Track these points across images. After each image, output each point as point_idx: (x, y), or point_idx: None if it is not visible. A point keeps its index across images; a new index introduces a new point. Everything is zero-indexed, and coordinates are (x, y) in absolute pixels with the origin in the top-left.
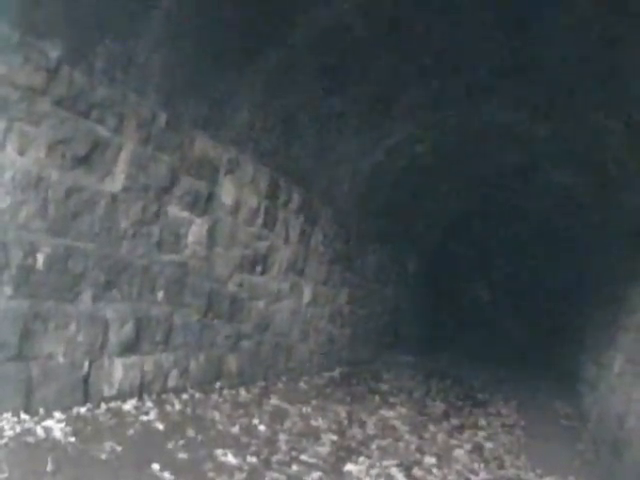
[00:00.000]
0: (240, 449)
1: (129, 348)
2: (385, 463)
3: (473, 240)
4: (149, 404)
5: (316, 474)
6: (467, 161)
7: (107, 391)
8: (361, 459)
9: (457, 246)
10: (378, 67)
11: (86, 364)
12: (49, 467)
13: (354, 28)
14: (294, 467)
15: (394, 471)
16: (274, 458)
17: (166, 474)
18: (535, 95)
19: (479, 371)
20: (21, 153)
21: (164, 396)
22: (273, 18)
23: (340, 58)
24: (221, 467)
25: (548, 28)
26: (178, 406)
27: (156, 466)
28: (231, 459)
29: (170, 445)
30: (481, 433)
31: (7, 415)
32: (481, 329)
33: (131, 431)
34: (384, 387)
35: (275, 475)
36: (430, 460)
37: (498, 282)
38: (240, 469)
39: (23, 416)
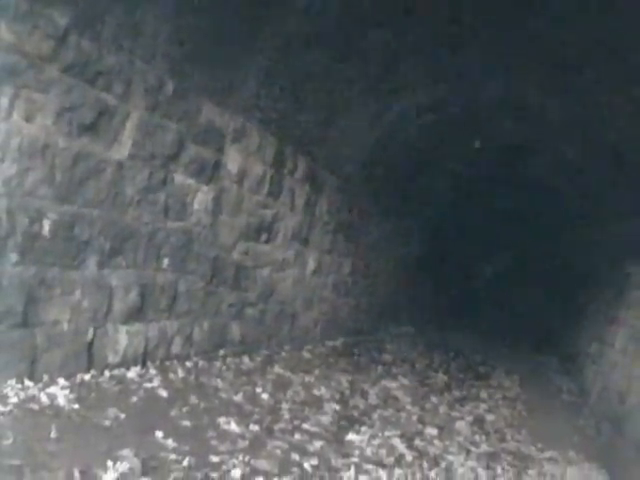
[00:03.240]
0: (243, 417)
1: (134, 315)
2: (387, 433)
3: (478, 212)
4: (153, 371)
5: (318, 443)
6: (474, 132)
7: (111, 358)
8: (363, 429)
9: (462, 217)
10: (385, 37)
11: (91, 331)
12: (53, 433)
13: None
14: (296, 436)
15: (396, 441)
16: (277, 427)
17: (169, 441)
18: (542, 69)
19: (481, 344)
20: (28, 120)
21: (168, 363)
22: None
23: (347, 27)
24: (224, 435)
25: (555, 3)
26: (181, 373)
27: (159, 433)
28: (234, 427)
29: (173, 412)
30: (482, 406)
31: (11, 382)
32: (484, 303)
33: (134, 398)
34: (387, 357)
35: (277, 443)
36: (431, 431)
37: (502, 255)
38: (242, 437)
39: (27, 383)
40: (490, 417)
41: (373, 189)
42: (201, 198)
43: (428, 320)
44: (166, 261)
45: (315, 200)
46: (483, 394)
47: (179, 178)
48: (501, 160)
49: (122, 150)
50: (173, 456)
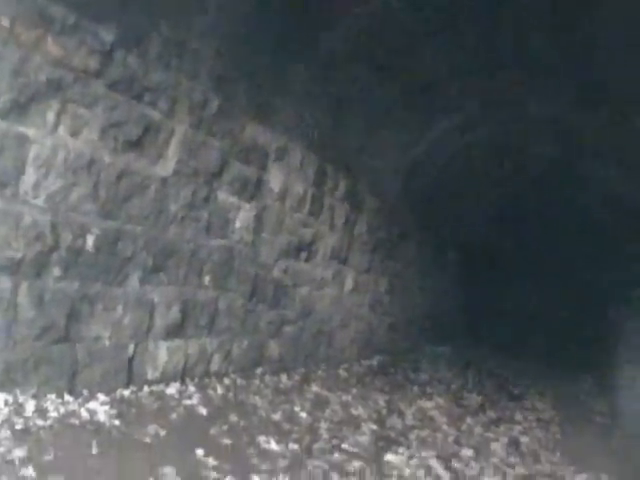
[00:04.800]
0: (282, 436)
1: (174, 332)
2: (424, 454)
3: (514, 231)
4: (192, 388)
5: (357, 463)
6: (510, 152)
7: (151, 374)
8: (401, 449)
9: (497, 237)
10: (426, 60)
11: (131, 347)
12: (94, 450)
13: (403, 20)
14: (335, 455)
15: (433, 462)
16: (315, 446)
17: (210, 459)
18: (580, 90)
19: (515, 365)
20: (74, 135)
21: (206, 380)
22: (324, 9)
23: (389, 49)
24: (264, 454)
25: (594, 27)
26: (220, 391)
27: (200, 451)
28: (273, 446)
29: (213, 430)
30: (517, 427)
31: (51, 396)
32: (518, 323)
33: (174, 415)
34: (422, 377)
35: (317, 463)
36: (468, 452)
37: (537, 275)
38: (282, 456)
39: (67, 397)
40: (525, 439)
41: (411, 207)
42: (243, 216)
43: (462, 339)
44: (207, 278)
45: (354, 219)
46: (517, 415)
47: (222, 195)
48: (539, 178)
49: (167, 166)
50: (214, 474)
